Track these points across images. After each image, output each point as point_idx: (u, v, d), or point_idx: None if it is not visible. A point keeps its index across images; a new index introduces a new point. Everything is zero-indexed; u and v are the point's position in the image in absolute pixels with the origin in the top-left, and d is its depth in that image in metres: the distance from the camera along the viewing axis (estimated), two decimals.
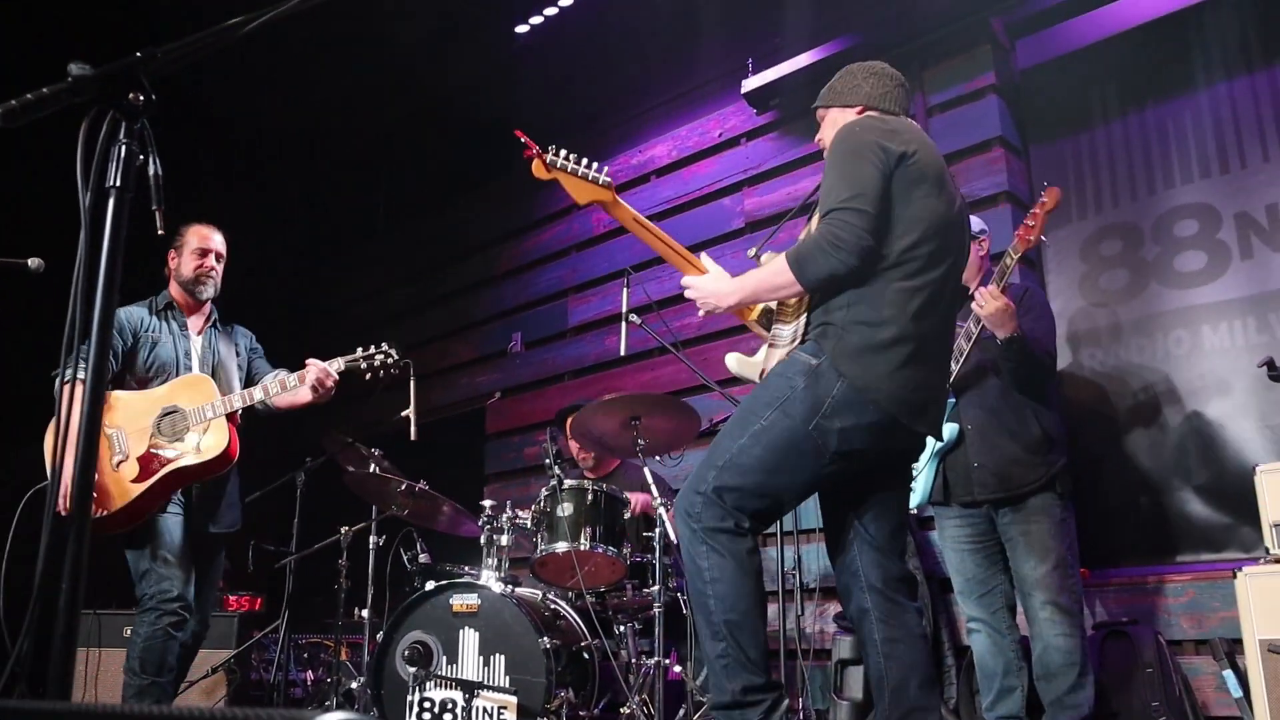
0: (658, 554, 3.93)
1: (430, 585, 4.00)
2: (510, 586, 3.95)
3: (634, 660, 4.09)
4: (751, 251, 3.01)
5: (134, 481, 3.60)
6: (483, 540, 4.16)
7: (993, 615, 3.70)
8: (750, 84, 5.90)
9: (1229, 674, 3.84)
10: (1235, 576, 3.46)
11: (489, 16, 7.10)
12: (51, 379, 3.81)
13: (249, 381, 4.09)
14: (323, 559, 5.04)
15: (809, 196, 2.87)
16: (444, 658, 3.84)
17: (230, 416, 3.74)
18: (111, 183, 1.36)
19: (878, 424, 2.47)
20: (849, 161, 2.52)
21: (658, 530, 3.92)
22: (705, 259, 2.86)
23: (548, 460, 4.15)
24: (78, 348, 1.33)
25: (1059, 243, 5.01)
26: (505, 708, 3.68)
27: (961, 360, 3.68)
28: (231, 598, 6.57)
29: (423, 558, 4.48)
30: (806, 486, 2.59)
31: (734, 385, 5.66)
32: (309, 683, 5.83)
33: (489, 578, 4.01)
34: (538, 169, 2.89)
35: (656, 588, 3.90)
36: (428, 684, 3.77)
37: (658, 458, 4.98)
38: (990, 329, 3.57)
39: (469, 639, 3.85)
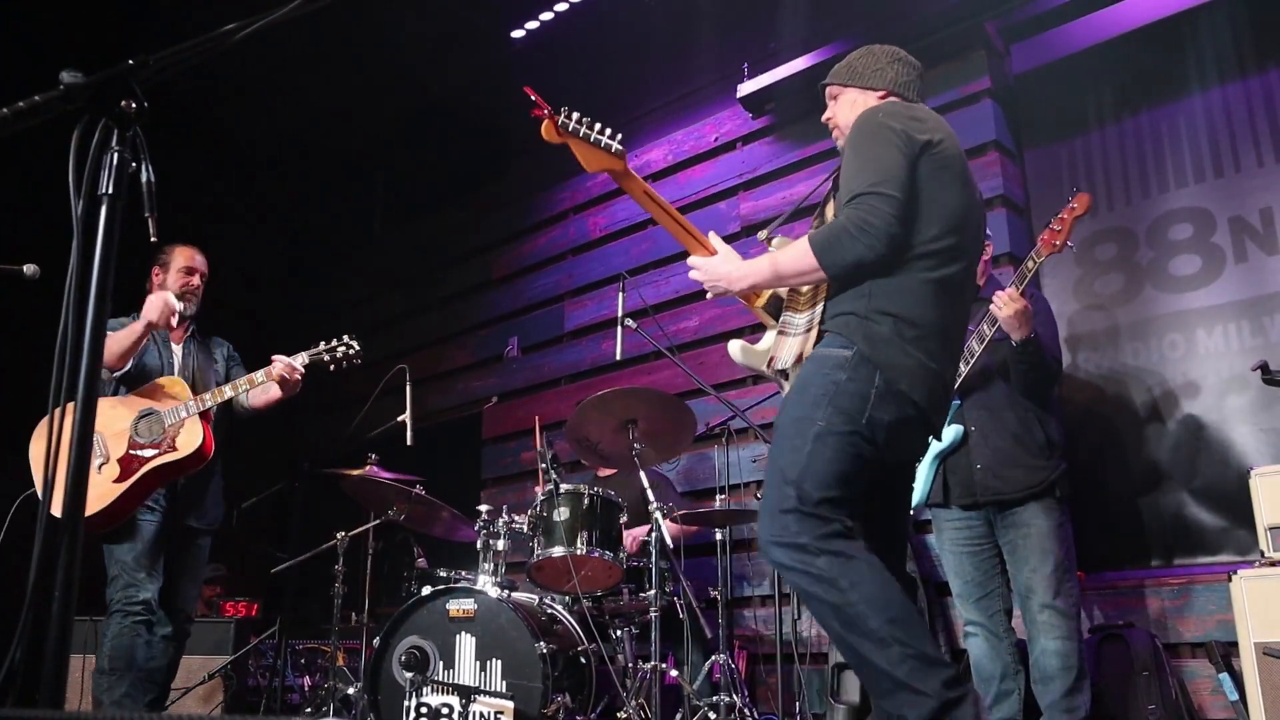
0: (654, 558, 3.93)
1: (427, 590, 4.00)
2: (507, 591, 3.95)
3: (631, 665, 4.09)
4: (763, 234, 2.82)
5: (115, 482, 3.75)
6: (479, 545, 4.16)
7: (990, 619, 3.70)
8: (746, 88, 5.91)
9: (1225, 677, 3.84)
10: (1230, 580, 3.46)
11: (485, 21, 7.12)
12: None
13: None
14: (319, 564, 5.04)
15: (829, 178, 2.71)
16: (441, 663, 3.83)
17: (204, 415, 3.92)
18: (104, 190, 1.36)
19: (912, 419, 2.40)
20: (875, 146, 2.43)
21: (654, 535, 3.92)
22: (714, 238, 2.73)
23: (544, 465, 4.15)
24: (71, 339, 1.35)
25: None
26: (502, 713, 3.67)
27: (971, 362, 3.68)
28: (228, 603, 6.57)
29: (419, 562, 4.48)
30: (866, 483, 2.43)
31: (730, 389, 5.68)
32: (306, 688, 5.81)
33: (485, 583, 4.01)
34: (548, 131, 2.71)
35: (653, 592, 3.90)
36: (424, 689, 3.76)
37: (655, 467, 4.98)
38: (1006, 331, 3.57)
39: (466, 644, 3.84)
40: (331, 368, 4.12)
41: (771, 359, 2.62)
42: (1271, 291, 4.37)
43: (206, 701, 5.16)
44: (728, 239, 6.03)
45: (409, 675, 3.76)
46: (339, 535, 4.63)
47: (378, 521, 4.68)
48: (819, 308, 2.51)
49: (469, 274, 7.76)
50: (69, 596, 1.33)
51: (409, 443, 4.55)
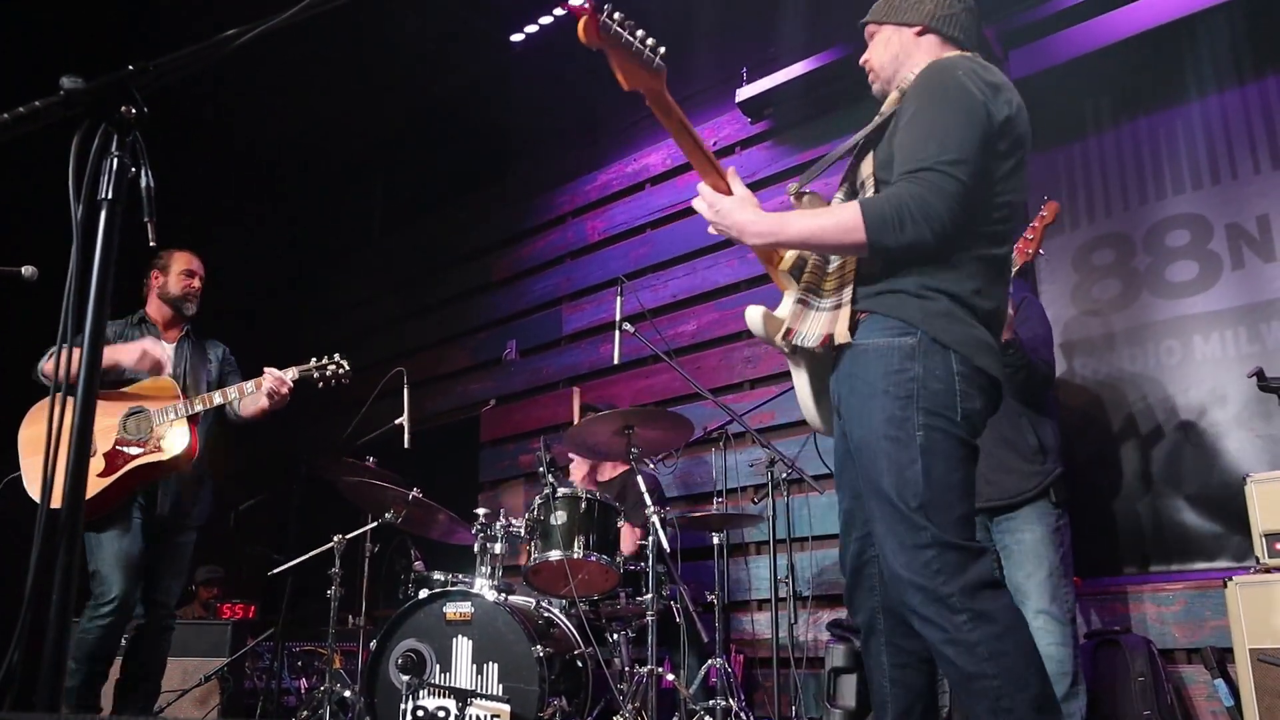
0: (651, 562, 3.93)
1: (424, 593, 4.00)
2: (503, 595, 3.96)
3: (627, 668, 4.09)
4: (793, 188, 2.44)
5: (99, 476, 3.80)
6: (476, 548, 4.16)
7: None
8: (744, 93, 5.93)
9: (1220, 683, 3.85)
10: (1226, 586, 3.47)
11: (485, 25, 7.13)
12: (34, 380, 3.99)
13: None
14: (317, 566, 5.04)
15: (873, 128, 2.34)
16: (437, 666, 3.83)
17: (192, 419, 3.96)
18: (103, 195, 1.37)
19: (990, 398, 2.19)
20: (951, 112, 2.14)
21: (650, 539, 3.92)
22: (734, 178, 2.37)
23: (541, 469, 4.15)
24: (70, 336, 1.36)
25: (1052, 252, 5.02)
26: (499, 716, 3.67)
27: None
28: (225, 605, 6.57)
29: (416, 565, 4.48)
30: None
31: (728, 393, 5.69)
32: (302, 690, 5.82)
33: (482, 586, 4.01)
34: (586, 31, 2.20)
35: (649, 596, 3.91)
36: (421, 692, 3.76)
37: (650, 464, 4.99)
38: None
39: (462, 647, 3.85)
40: (320, 385, 4.17)
41: (789, 331, 2.32)
42: (1268, 298, 4.38)
43: (203, 704, 5.16)
44: (725, 244, 6.10)
45: (406, 678, 3.77)
46: (336, 538, 4.63)
47: (375, 524, 4.68)
48: (849, 285, 2.23)
49: (468, 276, 7.77)
50: (67, 598, 1.33)
51: (406, 446, 4.55)
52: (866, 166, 2.28)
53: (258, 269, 8.72)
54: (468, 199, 8.02)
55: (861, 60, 2.57)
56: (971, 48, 2.43)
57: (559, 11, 6.89)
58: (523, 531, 4.15)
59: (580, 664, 4.01)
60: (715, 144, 6.34)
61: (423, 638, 3.88)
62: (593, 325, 6.66)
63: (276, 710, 5.21)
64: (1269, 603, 3.37)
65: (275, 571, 4.95)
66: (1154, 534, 4.46)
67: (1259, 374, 3.61)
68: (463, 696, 3.71)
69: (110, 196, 1.37)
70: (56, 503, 1.29)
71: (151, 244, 1.44)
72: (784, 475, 4.61)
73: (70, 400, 1.33)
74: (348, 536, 4.67)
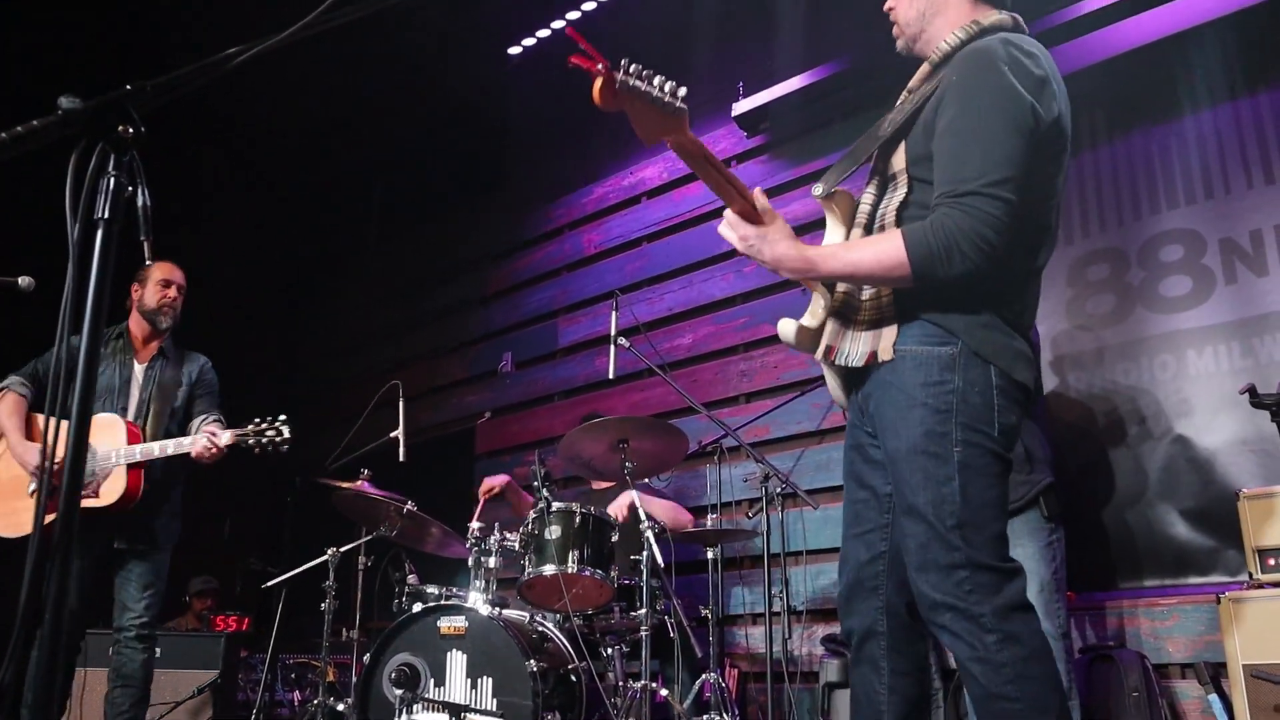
0: (645, 576, 3.93)
1: (418, 607, 4.00)
2: (498, 609, 3.95)
3: (621, 683, 4.09)
4: (818, 190, 2.30)
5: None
6: (471, 562, 4.16)
7: None
8: (741, 107, 5.95)
9: (1214, 698, 3.85)
10: (1219, 601, 3.48)
11: (483, 37, 7.16)
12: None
13: (185, 415, 4.25)
14: (310, 579, 5.04)
15: (900, 119, 2.21)
16: (431, 680, 3.83)
17: (133, 465, 3.91)
18: (100, 214, 1.38)
19: (1024, 410, 2.12)
20: (993, 121, 2.00)
21: (645, 554, 3.92)
22: (760, 197, 2.18)
23: (535, 483, 4.15)
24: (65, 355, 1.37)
25: (1046, 266, 5.03)
26: None
27: None
28: (219, 617, 6.56)
29: (411, 579, 4.47)
30: None
31: (722, 407, 5.69)
32: (295, 703, 5.81)
33: (476, 600, 4.01)
34: (603, 94, 1.96)
35: (644, 610, 3.90)
36: (415, 706, 3.76)
37: (647, 480, 4.99)
38: None
39: (456, 661, 3.84)
40: (256, 451, 3.97)
41: (830, 349, 2.20)
42: (1261, 313, 4.39)
43: (195, 716, 5.14)
44: (722, 257, 6.13)
45: (399, 692, 3.76)
46: (330, 551, 4.63)
47: (369, 537, 4.68)
48: (890, 300, 2.13)
49: (464, 288, 7.78)
50: (60, 616, 1.33)
51: (402, 459, 4.55)
52: (899, 159, 2.17)
53: (254, 279, 8.73)
54: (464, 211, 8.03)
55: (886, 7, 2.37)
56: (1007, 5, 2.27)
57: (556, 25, 6.92)
58: (517, 546, 4.15)
59: (574, 679, 4.00)
60: None
61: (417, 651, 3.88)
62: (589, 338, 6.67)
63: None
64: (1263, 618, 3.38)
65: (269, 584, 4.95)
66: (1148, 548, 4.46)
67: (1251, 390, 3.62)
68: (457, 711, 3.71)
69: (107, 216, 1.37)
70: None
71: (148, 262, 1.44)
72: (778, 490, 4.62)
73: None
74: (342, 550, 4.67)
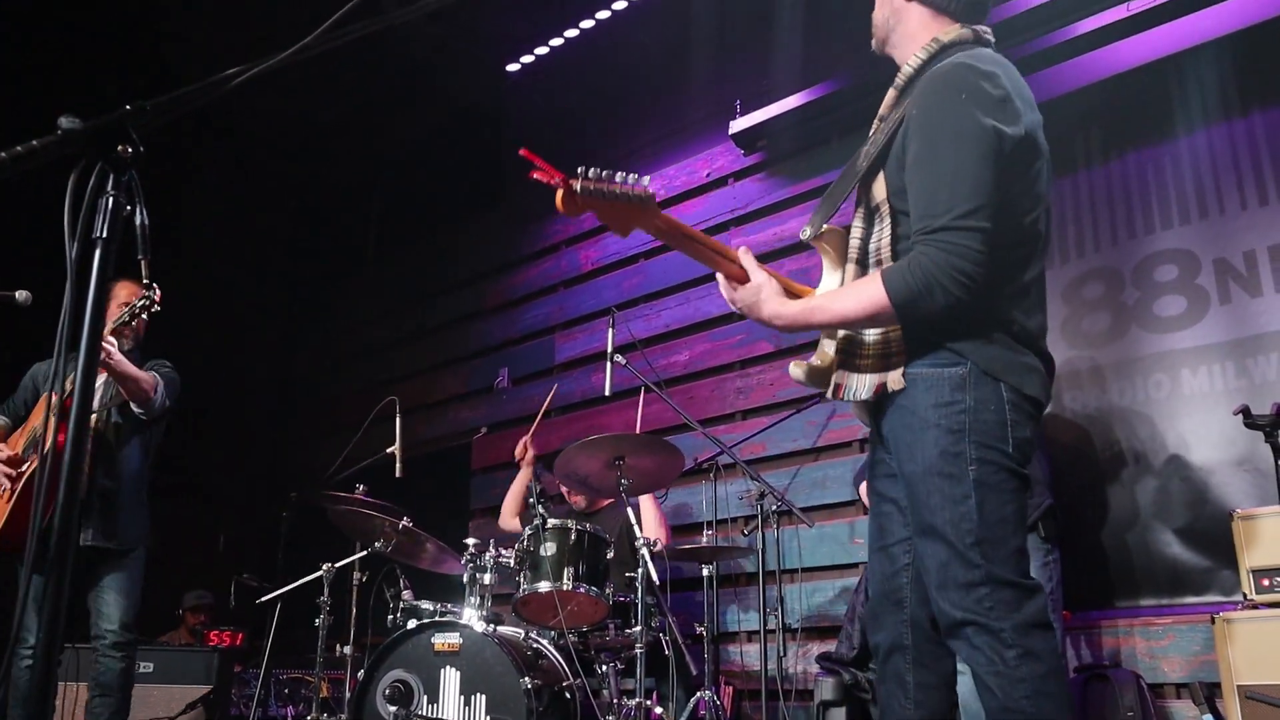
0: (640, 594, 3.93)
1: (412, 623, 3.99)
2: (492, 625, 3.95)
3: (616, 700, 4.08)
4: (806, 233, 2.33)
5: (9, 501, 3.90)
6: (465, 579, 4.16)
7: None
8: (738, 125, 5.98)
9: (1209, 719, 3.85)
10: (1214, 622, 3.48)
11: (481, 53, 7.19)
12: None
13: None
14: (305, 594, 5.03)
15: (874, 150, 2.23)
16: (425, 697, 3.82)
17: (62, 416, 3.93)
18: (98, 234, 1.39)
19: (1036, 433, 2.14)
20: (958, 153, 2.02)
21: (640, 570, 3.92)
22: (746, 258, 2.26)
23: (531, 499, 4.15)
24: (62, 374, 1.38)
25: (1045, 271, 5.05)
26: None
27: None
28: (213, 632, 6.54)
29: (405, 594, 4.47)
30: None
31: (718, 424, 5.70)
32: (289, 718, 5.79)
33: (471, 616, 4.01)
34: (565, 203, 2.07)
35: (639, 628, 3.90)
36: None
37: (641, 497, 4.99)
38: None
39: (450, 678, 3.83)
40: (134, 322, 3.95)
41: (838, 388, 2.23)
42: (1255, 333, 4.41)
43: None
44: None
45: (393, 709, 3.75)
46: (325, 566, 4.62)
47: (364, 553, 4.67)
48: (896, 332, 2.15)
49: (461, 303, 7.79)
50: (55, 630, 1.34)
51: (398, 474, 4.55)
52: (880, 189, 2.20)
53: (252, 293, 8.74)
54: (461, 226, 8.05)
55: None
56: (975, 17, 2.28)
57: (555, 42, 6.96)
58: (512, 562, 4.15)
59: (569, 696, 3.99)
60: (708, 175, 6.38)
61: (411, 668, 3.87)
62: (585, 354, 6.68)
63: None
64: (1257, 639, 3.38)
65: (264, 599, 4.94)
66: (1143, 568, 4.47)
67: (1245, 411, 3.64)
68: None
69: (105, 235, 1.38)
70: None
71: (144, 281, 1.45)
72: (774, 507, 4.62)
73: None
74: (337, 565, 4.66)
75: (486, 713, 3.73)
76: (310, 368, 9.10)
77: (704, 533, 4.89)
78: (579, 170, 2.05)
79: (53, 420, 1.40)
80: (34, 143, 1.33)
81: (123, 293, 4.23)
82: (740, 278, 2.25)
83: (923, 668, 2.23)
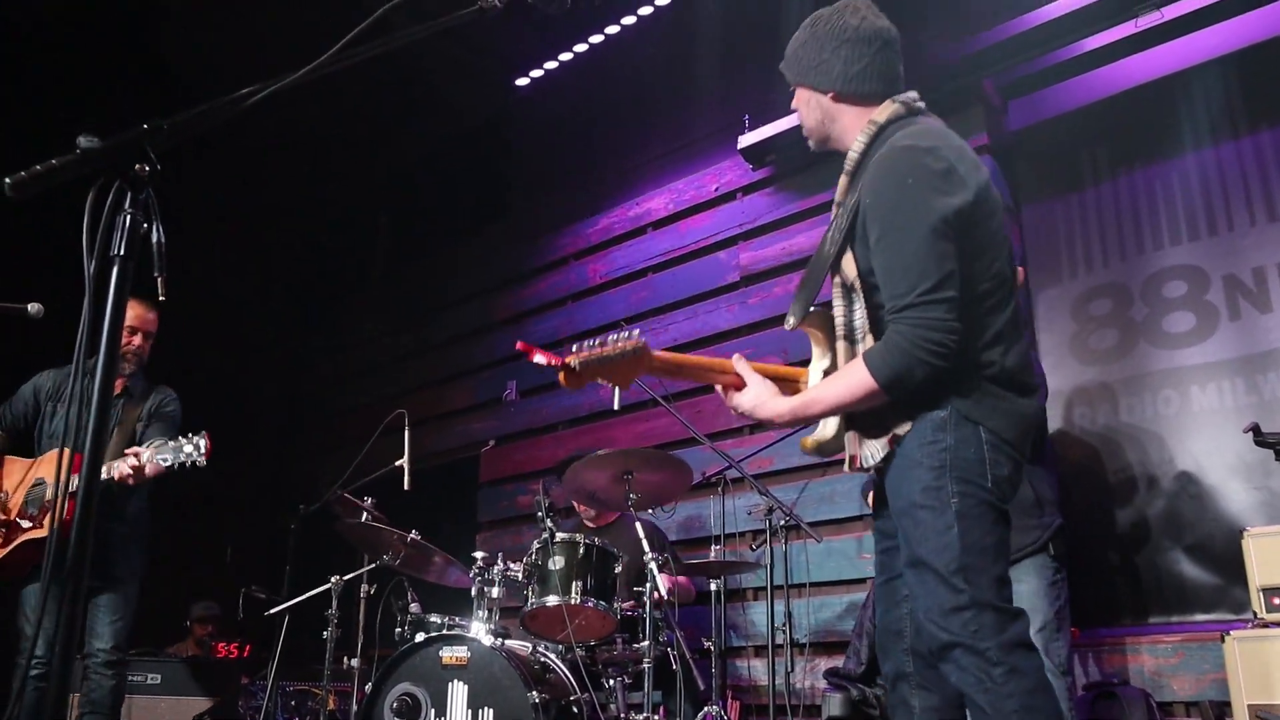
0: (648, 608, 3.93)
1: (420, 636, 3.99)
2: (500, 639, 3.94)
3: (623, 715, 4.07)
4: (789, 323, 2.47)
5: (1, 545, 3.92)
6: (474, 592, 4.16)
7: None
8: (746, 140, 5.99)
9: None
10: (1224, 640, 3.47)
11: (490, 69, 7.22)
12: None
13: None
14: (312, 606, 5.03)
15: (838, 219, 2.36)
16: (432, 710, 3.82)
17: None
18: (116, 251, 1.40)
19: (1018, 464, 2.24)
20: (912, 236, 2.15)
21: (648, 585, 3.92)
22: (740, 365, 2.43)
23: (540, 513, 4.15)
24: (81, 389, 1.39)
25: (1049, 302, 5.06)
26: None
27: None
28: (220, 644, 6.54)
29: (413, 607, 4.47)
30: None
31: (726, 439, 5.70)
32: None
33: (479, 630, 4.00)
34: (569, 380, 2.31)
35: (646, 642, 3.90)
36: None
37: (650, 510, 4.99)
38: None
39: (458, 691, 3.83)
40: (175, 468, 3.82)
41: (854, 458, 2.36)
42: (1265, 350, 4.41)
43: None
44: (727, 289, 6.15)
45: None
46: (333, 579, 4.63)
47: (372, 565, 4.68)
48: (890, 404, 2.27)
49: (469, 316, 7.80)
50: (69, 651, 1.35)
51: (406, 487, 4.56)
52: (850, 269, 2.31)
53: (261, 306, 8.77)
54: (470, 239, 8.07)
55: (792, 106, 2.56)
56: (896, 89, 2.40)
57: (564, 57, 6.98)
58: (520, 576, 4.15)
59: (576, 710, 3.98)
60: (717, 189, 6.40)
61: (418, 681, 3.87)
62: None
63: None
64: (1267, 658, 3.37)
65: (272, 611, 4.94)
66: (1152, 585, 4.45)
67: (1255, 429, 3.63)
68: None
69: (122, 253, 1.39)
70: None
71: (160, 298, 1.46)
72: (782, 522, 4.61)
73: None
74: (345, 578, 4.66)
75: None
76: (318, 381, 9.12)
77: (712, 547, 4.88)
78: (572, 348, 2.28)
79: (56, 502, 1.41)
80: (54, 161, 1.35)
81: (130, 313, 4.11)
82: (737, 385, 2.41)
83: (926, 692, 2.33)
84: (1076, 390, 4.86)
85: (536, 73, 7.14)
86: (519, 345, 2.45)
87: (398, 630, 4.26)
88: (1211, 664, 4.03)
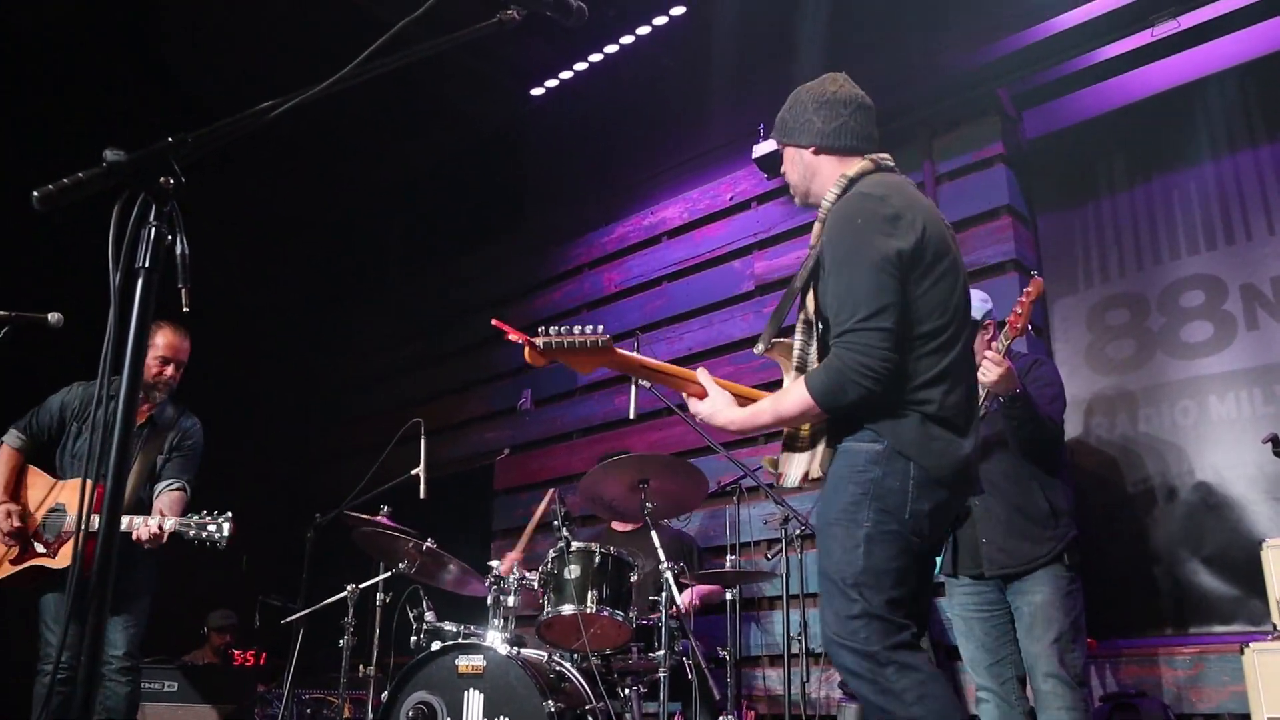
0: (663, 617, 3.93)
1: (436, 645, 4.00)
2: (516, 648, 3.95)
3: None
4: (759, 349, 2.72)
5: (10, 562, 3.98)
6: (489, 601, 4.17)
7: (1002, 685, 3.66)
8: (761, 149, 5.98)
9: None
10: (1243, 652, 3.44)
11: (505, 78, 7.24)
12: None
13: (161, 477, 4.27)
14: (329, 614, 5.05)
15: (805, 274, 2.57)
16: (448, 718, 3.82)
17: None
18: (141, 263, 1.41)
19: (947, 502, 2.41)
20: (860, 270, 2.35)
21: (664, 594, 3.92)
22: (704, 376, 2.70)
23: (555, 521, 4.16)
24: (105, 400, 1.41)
25: (1065, 312, 5.05)
26: None
27: None
28: (237, 652, 6.56)
29: (429, 616, 4.48)
30: (916, 577, 2.44)
31: (741, 448, 5.69)
32: None
33: (495, 638, 4.01)
34: (532, 356, 2.64)
35: (662, 651, 3.90)
36: None
37: (666, 521, 5.00)
38: (996, 393, 3.55)
39: (474, 700, 3.84)
40: (195, 544, 3.90)
41: (780, 475, 2.61)
42: None
43: None
44: (741, 297, 6.15)
45: None
46: (349, 587, 4.64)
47: (388, 574, 4.69)
48: (823, 424, 2.50)
49: (484, 325, 7.78)
50: (94, 664, 1.36)
51: (423, 496, 4.57)
52: (810, 304, 2.54)
53: (276, 315, 8.81)
54: (485, 249, 8.09)
55: (781, 174, 2.85)
56: (870, 148, 2.65)
57: (579, 67, 7.00)
58: (536, 585, 4.15)
59: (592, 719, 3.99)
60: (732, 199, 6.40)
61: (434, 690, 3.88)
62: (608, 376, 6.68)
63: None
64: None
65: (289, 619, 4.96)
66: (1171, 596, 4.43)
67: (1274, 440, 3.61)
68: None
69: (147, 265, 1.41)
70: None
71: (184, 309, 1.48)
72: (797, 531, 4.61)
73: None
74: (361, 586, 4.68)
75: None
76: (333, 390, 9.15)
77: (727, 556, 4.88)
78: (539, 329, 2.62)
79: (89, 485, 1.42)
80: (80, 175, 1.37)
81: (160, 340, 4.17)
82: (700, 395, 2.67)
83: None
84: (1093, 400, 4.84)
85: (551, 82, 7.15)
86: (494, 322, 2.74)
87: (413, 638, 4.27)
88: (1231, 676, 4.01)
